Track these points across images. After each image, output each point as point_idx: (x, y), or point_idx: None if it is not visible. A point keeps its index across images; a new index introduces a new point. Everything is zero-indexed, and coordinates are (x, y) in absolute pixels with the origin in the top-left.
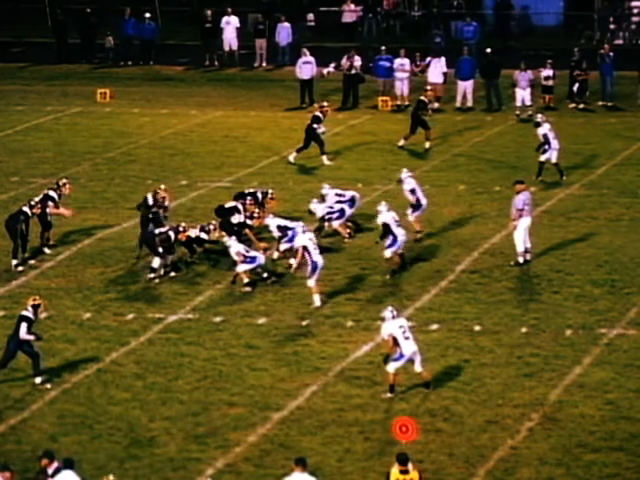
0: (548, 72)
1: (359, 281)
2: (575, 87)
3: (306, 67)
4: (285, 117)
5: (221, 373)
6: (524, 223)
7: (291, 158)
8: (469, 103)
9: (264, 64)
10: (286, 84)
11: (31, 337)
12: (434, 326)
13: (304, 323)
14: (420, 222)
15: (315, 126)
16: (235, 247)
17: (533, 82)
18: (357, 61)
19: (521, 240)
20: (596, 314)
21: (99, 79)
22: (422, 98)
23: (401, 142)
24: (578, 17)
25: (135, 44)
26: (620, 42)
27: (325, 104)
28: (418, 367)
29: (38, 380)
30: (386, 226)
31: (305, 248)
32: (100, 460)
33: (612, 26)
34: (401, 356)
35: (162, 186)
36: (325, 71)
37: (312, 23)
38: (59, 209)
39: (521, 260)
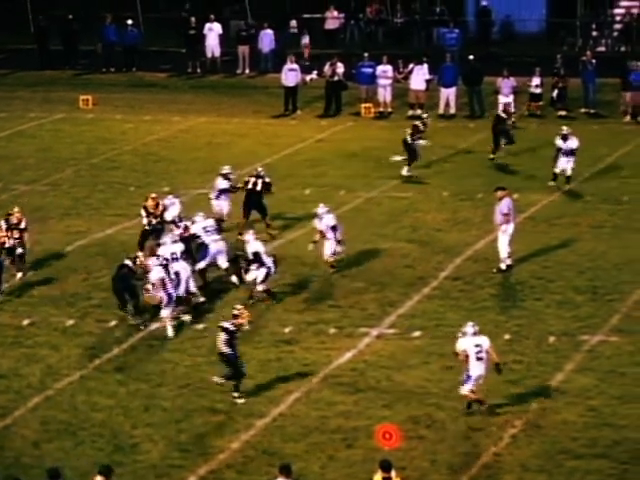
0: (536, 80)
1: (341, 288)
2: (554, 94)
3: (291, 74)
4: (268, 124)
5: (204, 380)
6: (508, 229)
7: (404, 172)
8: (452, 110)
9: (247, 71)
10: (269, 91)
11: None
12: (417, 333)
13: (287, 330)
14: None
15: (415, 137)
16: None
17: (516, 89)
18: (340, 68)
19: (505, 247)
20: (578, 321)
21: (82, 85)
22: (499, 113)
23: (491, 155)
24: (560, 24)
25: (117, 50)
26: (602, 49)
27: (424, 115)
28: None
29: (219, 380)
30: (257, 255)
31: (162, 280)
32: (83, 467)
33: (594, 33)
34: (469, 377)
35: (140, 253)
36: (308, 78)
37: (295, 30)
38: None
39: (503, 267)
